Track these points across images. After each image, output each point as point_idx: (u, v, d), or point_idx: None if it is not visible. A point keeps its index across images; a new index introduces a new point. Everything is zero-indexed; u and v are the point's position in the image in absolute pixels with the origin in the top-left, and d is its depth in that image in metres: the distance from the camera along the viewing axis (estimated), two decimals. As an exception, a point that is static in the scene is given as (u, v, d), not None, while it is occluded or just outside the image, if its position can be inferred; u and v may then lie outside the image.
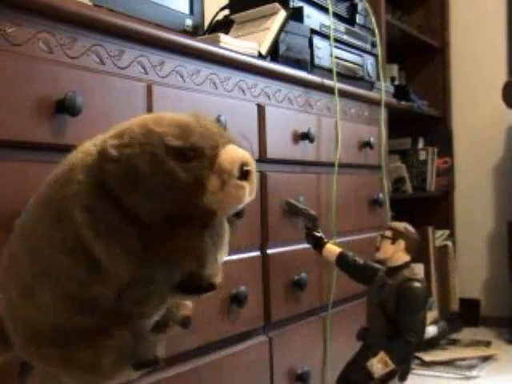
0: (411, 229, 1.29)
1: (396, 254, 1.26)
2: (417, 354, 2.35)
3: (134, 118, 0.74)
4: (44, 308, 0.72)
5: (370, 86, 1.88)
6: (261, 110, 1.36)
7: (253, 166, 0.72)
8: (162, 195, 0.67)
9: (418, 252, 2.57)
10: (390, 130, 2.05)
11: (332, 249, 1.38)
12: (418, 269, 2.58)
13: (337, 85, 1.62)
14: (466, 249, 3.00)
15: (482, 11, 3.02)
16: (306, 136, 1.48)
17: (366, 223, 1.79)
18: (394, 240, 1.26)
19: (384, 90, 1.91)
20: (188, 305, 0.88)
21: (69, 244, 0.69)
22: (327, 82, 1.59)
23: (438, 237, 2.76)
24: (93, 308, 0.72)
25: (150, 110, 1.07)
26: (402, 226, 1.29)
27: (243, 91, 1.32)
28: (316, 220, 1.41)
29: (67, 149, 0.93)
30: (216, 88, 1.25)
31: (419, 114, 2.78)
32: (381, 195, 1.84)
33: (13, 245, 0.75)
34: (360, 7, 1.86)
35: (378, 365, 1.21)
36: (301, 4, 1.58)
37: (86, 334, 0.73)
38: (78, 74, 0.94)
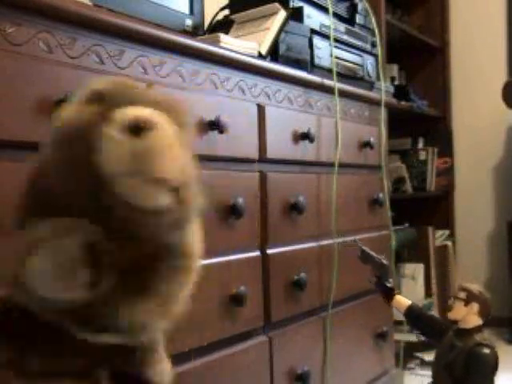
0: (485, 292, 1.26)
1: (468, 316, 1.23)
2: (417, 354, 2.36)
3: None
4: None
5: (370, 86, 1.88)
6: (261, 109, 1.36)
7: (161, 128, 0.58)
8: (58, 142, 0.61)
9: (418, 252, 2.59)
10: (390, 130, 2.05)
11: (402, 301, 1.37)
12: (418, 269, 2.58)
13: (337, 85, 1.61)
14: (466, 249, 3.00)
15: (482, 11, 3.03)
16: (306, 136, 1.48)
17: (366, 223, 1.79)
18: (467, 302, 1.23)
19: (384, 90, 1.91)
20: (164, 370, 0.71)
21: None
22: (327, 81, 1.59)
23: (438, 237, 2.76)
24: None
25: (150, 110, 1.07)
26: (476, 288, 1.26)
27: (243, 91, 1.32)
28: (387, 269, 1.40)
29: (67, 149, 0.93)
30: (216, 88, 1.24)
31: (419, 114, 2.78)
32: (381, 195, 1.84)
33: None
34: (360, 7, 1.86)
35: None
36: (301, 4, 1.58)
37: None
38: (78, 74, 0.94)
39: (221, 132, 1.20)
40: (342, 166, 1.64)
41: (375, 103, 1.88)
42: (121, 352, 0.64)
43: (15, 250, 0.59)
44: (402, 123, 2.82)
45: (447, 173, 3.03)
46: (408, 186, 2.73)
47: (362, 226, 1.76)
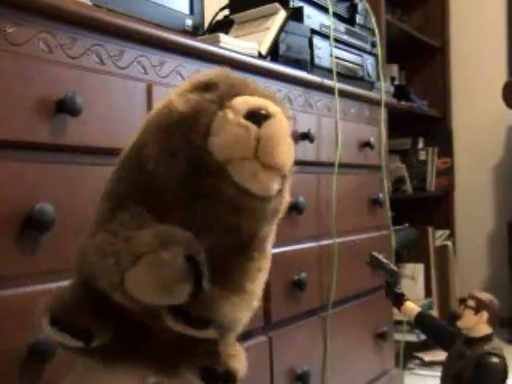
0: (495, 300, 1.26)
1: (478, 325, 1.23)
2: (417, 354, 2.36)
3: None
4: None
5: (370, 85, 1.88)
6: (261, 110, 1.36)
7: (277, 117, 0.59)
8: (162, 132, 0.60)
9: (418, 252, 2.59)
10: (390, 130, 2.05)
11: (411, 307, 1.37)
12: (418, 269, 2.58)
13: (337, 85, 1.61)
14: (466, 249, 3.00)
15: (482, 11, 3.02)
16: (306, 136, 1.48)
17: (366, 223, 1.79)
18: (477, 311, 1.23)
19: (384, 90, 1.91)
20: (229, 358, 0.70)
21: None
22: (327, 81, 1.59)
23: (438, 237, 2.76)
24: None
25: (150, 110, 1.06)
26: (486, 297, 1.25)
27: (243, 91, 1.32)
28: (397, 275, 1.39)
29: (67, 149, 0.93)
30: (216, 88, 1.24)
31: (419, 114, 2.78)
32: (381, 195, 1.84)
33: None
34: (360, 7, 1.86)
35: None
36: (301, 4, 1.58)
37: None
38: (78, 74, 0.94)
39: (221, 132, 1.20)
40: (341, 166, 1.64)
41: (375, 103, 1.88)
42: (208, 345, 0.67)
43: (109, 245, 0.58)
44: (402, 123, 2.82)
45: (447, 173, 3.02)
46: (408, 186, 2.73)
47: (362, 226, 1.76)
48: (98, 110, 0.97)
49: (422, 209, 2.95)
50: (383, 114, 1.90)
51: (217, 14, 1.71)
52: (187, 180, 0.58)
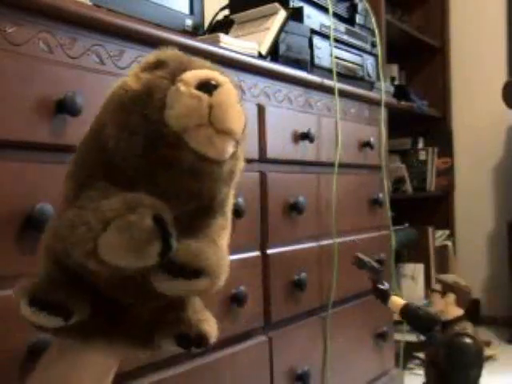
0: (461, 282, 1.27)
1: (447, 307, 1.24)
2: (417, 354, 2.35)
3: None
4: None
5: (370, 85, 1.88)
6: (261, 109, 1.36)
7: (226, 86, 0.63)
8: (119, 111, 0.63)
9: (418, 252, 2.59)
10: (390, 130, 2.05)
11: (397, 301, 1.39)
12: (418, 269, 2.58)
13: (337, 85, 1.62)
14: (466, 249, 3.00)
15: (482, 11, 3.03)
16: (306, 136, 1.48)
17: (366, 223, 1.79)
18: (443, 294, 1.24)
19: (384, 90, 1.91)
20: (201, 323, 0.73)
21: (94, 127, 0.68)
22: (327, 81, 1.59)
23: (438, 237, 2.76)
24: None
25: (150, 110, 1.07)
26: (450, 279, 1.27)
27: (243, 91, 1.32)
28: (380, 273, 1.43)
29: (67, 149, 0.93)
30: (216, 88, 1.24)
31: (419, 114, 2.78)
32: (381, 195, 1.84)
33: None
34: (360, 7, 1.86)
35: None
36: (301, 4, 1.58)
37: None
38: (78, 74, 0.94)
39: (221, 132, 1.20)
40: (341, 166, 1.64)
41: (375, 103, 1.88)
42: (178, 313, 0.70)
43: (78, 216, 0.60)
44: (402, 123, 2.82)
45: (447, 173, 3.03)
46: (408, 186, 2.73)
47: (362, 226, 1.76)
48: (98, 110, 0.97)
49: (422, 209, 2.96)
50: (383, 113, 1.90)
51: (217, 14, 1.71)
52: (147, 153, 0.61)
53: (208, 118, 0.60)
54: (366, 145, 1.79)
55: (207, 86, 0.61)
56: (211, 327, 0.74)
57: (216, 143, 0.61)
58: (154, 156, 0.61)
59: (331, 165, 1.60)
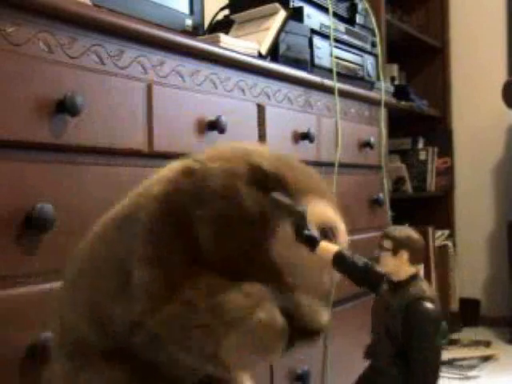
0: (414, 235, 1.06)
1: (399, 267, 1.05)
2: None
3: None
4: (73, 306, 0.67)
5: (370, 85, 1.88)
6: (261, 110, 1.36)
7: (341, 234, 0.62)
8: (225, 221, 0.58)
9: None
10: (390, 130, 2.05)
11: (327, 247, 1.25)
12: (419, 269, 2.58)
13: (337, 85, 1.61)
14: (466, 249, 3.00)
15: (482, 11, 3.03)
16: (305, 136, 1.48)
17: (366, 223, 1.79)
18: (394, 252, 1.04)
19: (384, 90, 1.91)
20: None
21: (120, 249, 0.63)
22: (327, 82, 1.59)
23: (438, 237, 2.76)
24: (107, 329, 0.63)
25: (149, 109, 1.07)
26: (403, 233, 1.06)
27: (243, 91, 1.32)
28: (304, 216, 1.32)
29: (67, 149, 0.93)
30: (216, 88, 1.24)
31: (419, 114, 2.78)
32: (381, 195, 1.84)
33: (89, 236, 0.70)
34: (360, 7, 1.86)
35: None
36: (301, 4, 1.58)
37: (93, 356, 0.64)
38: (78, 74, 0.94)
39: (221, 132, 1.20)
40: (341, 165, 1.64)
41: (375, 103, 1.88)
42: None
43: (190, 317, 0.57)
44: (402, 123, 2.82)
45: (447, 173, 3.03)
46: (408, 186, 2.73)
47: (361, 226, 1.76)
48: (97, 110, 0.97)
49: (422, 209, 2.95)
50: (383, 113, 1.90)
51: (217, 13, 1.71)
52: (238, 261, 0.59)
53: (311, 280, 0.62)
54: (366, 145, 1.79)
55: (326, 235, 0.60)
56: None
57: (314, 310, 0.64)
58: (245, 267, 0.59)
59: (331, 165, 1.60)
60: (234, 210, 0.58)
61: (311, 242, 1.12)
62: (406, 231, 1.06)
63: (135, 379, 0.62)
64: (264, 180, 0.60)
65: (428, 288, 1.03)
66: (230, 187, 0.59)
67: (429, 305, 0.99)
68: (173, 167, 0.66)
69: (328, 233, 0.60)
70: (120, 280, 0.62)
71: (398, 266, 1.03)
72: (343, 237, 0.62)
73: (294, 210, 1.15)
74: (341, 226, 0.62)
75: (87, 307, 0.65)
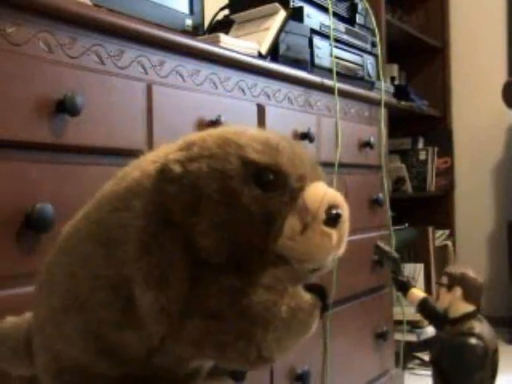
0: (471, 274, 1.09)
1: (454, 303, 1.08)
2: (417, 354, 2.35)
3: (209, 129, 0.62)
4: (67, 341, 0.62)
5: (370, 85, 1.88)
6: (261, 110, 1.36)
7: (345, 212, 0.59)
8: (226, 227, 0.55)
9: (418, 252, 2.59)
10: (390, 130, 2.05)
11: (416, 293, 1.27)
12: (418, 269, 2.58)
13: (337, 85, 1.61)
14: (466, 249, 3.00)
15: (482, 11, 3.02)
16: (305, 136, 1.48)
17: (366, 223, 1.79)
18: (449, 287, 1.08)
19: (384, 90, 1.91)
20: None
21: (110, 276, 0.58)
22: (327, 81, 1.59)
23: (438, 237, 2.76)
24: (120, 356, 0.60)
25: (150, 110, 1.07)
26: (459, 271, 1.10)
27: (243, 91, 1.32)
28: (397, 262, 1.36)
29: (67, 149, 0.93)
30: (216, 88, 1.24)
31: (419, 114, 2.78)
32: (381, 195, 1.84)
33: (53, 255, 0.66)
34: (360, 7, 1.86)
35: None
36: (301, 4, 1.57)
37: None
38: (78, 74, 0.94)
39: (221, 132, 1.20)
40: (342, 165, 1.64)
41: (375, 103, 1.88)
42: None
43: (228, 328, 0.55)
44: (402, 123, 2.82)
45: (447, 173, 3.02)
46: (408, 186, 2.73)
47: (361, 226, 1.76)
48: (97, 110, 0.97)
49: (422, 209, 2.95)
50: (383, 113, 1.90)
51: (217, 13, 1.71)
52: (240, 263, 0.58)
53: (321, 258, 0.58)
54: (366, 145, 1.79)
55: (335, 219, 0.57)
56: None
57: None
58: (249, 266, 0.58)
59: (331, 165, 1.60)
60: (235, 213, 0.55)
61: (404, 287, 1.11)
62: (463, 269, 1.10)
63: None
64: (260, 174, 0.56)
65: (480, 326, 1.05)
66: (226, 190, 0.55)
67: (473, 340, 1.01)
68: (144, 169, 0.60)
69: (336, 218, 0.57)
70: (119, 307, 0.58)
71: (453, 302, 1.08)
72: (347, 214, 0.60)
73: (391, 256, 1.12)
74: (340, 200, 0.60)
75: (90, 338, 0.61)
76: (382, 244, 1.39)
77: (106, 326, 0.59)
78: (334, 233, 0.56)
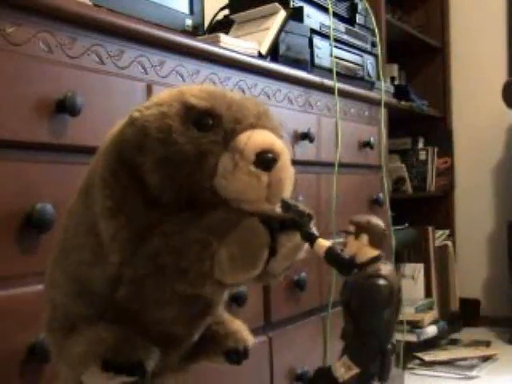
0: (375, 221, 1.12)
1: (361, 249, 1.11)
2: (417, 354, 2.35)
3: None
4: (58, 287, 0.69)
5: (370, 85, 1.88)
6: (261, 109, 1.36)
7: (283, 160, 0.61)
8: (166, 164, 0.60)
9: (418, 252, 2.59)
10: (390, 129, 2.05)
11: (322, 243, 1.31)
12: (418, 269, 2.58)
13: (337, 85, 1.62)
14: (466, 249, 3.00)
15: (482, 11, 3.02)
16: (305, 136, 1.48)
17: (366, 223, 1.79)
18: (356, 235, 1.11)
19: (384, 90, 1.91)
20: (242, 334, 0.79)
21: (87, 220, 0.64)
22: (327, 81, 1.59)
23: (438, 237, 2.76)
24: (92, 296, 0.65)
25: (149, 109, 1.07)
26: (364, 219, 1.13)
27: (243, 91, 1.32)
28: (306, 216, 1.36)
29: (67, 149, 0.93)
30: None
31: (419, 114, 2.78)
32: (381, 195, 1.84)
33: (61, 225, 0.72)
34: (360, 7, 1.86)
35: (341, 369, 1.12)
36: (301, 4, 1.58)
37: (79, 324, 0.66)
38: (77, 74, 0.94)
39: (221, 132, 1.20)
40: (342, 165, 1.64)
41: (375, 103, 1.88)
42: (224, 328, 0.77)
43: (179, 241, 0.59)
44: (402, 123, 2.82)
45: (447, 173, 3.02)
46: (408, 186, 2.73)
47: (361, 226, 1.76)
48: (98, 110, 0.97)
49: (422, 209, 2.95)
50: (383, 113, 1.90)
51: (217, 13, 1.71)
52: (190, 204, 0.61)
53: (265, 196, 0.60)
54: (366, 145, 1.79)
55: (266, 162, 0.59)
56: (248, 335, 0.79)
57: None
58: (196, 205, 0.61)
59: (331, 165, 1.60)
60: (171, 151, 0.59)
61: (310, 237, 1.13)
62: (368, 217, 1.12)
63: (120, 338, 0.63)
64: (198, 117, 0.61)
65: (385, 268, 1.08)
66: (164, 129, 0.60)
67: (380, 281, 1.04)
68: (123, 119, 0.66)
69: (268, 162, 0.59)
70: (91, 246, 0.63)
71: (360, 249, 1.09)
72: (284, 156, 0.62)
73: (298, 210, 1.16)
74: (279, 148, 0.61)
75: (72, 283, 0.67)
76: (289, 199, 1.37)
77: (82, 267, 0.65)
78: (263, 175, 0.59)
